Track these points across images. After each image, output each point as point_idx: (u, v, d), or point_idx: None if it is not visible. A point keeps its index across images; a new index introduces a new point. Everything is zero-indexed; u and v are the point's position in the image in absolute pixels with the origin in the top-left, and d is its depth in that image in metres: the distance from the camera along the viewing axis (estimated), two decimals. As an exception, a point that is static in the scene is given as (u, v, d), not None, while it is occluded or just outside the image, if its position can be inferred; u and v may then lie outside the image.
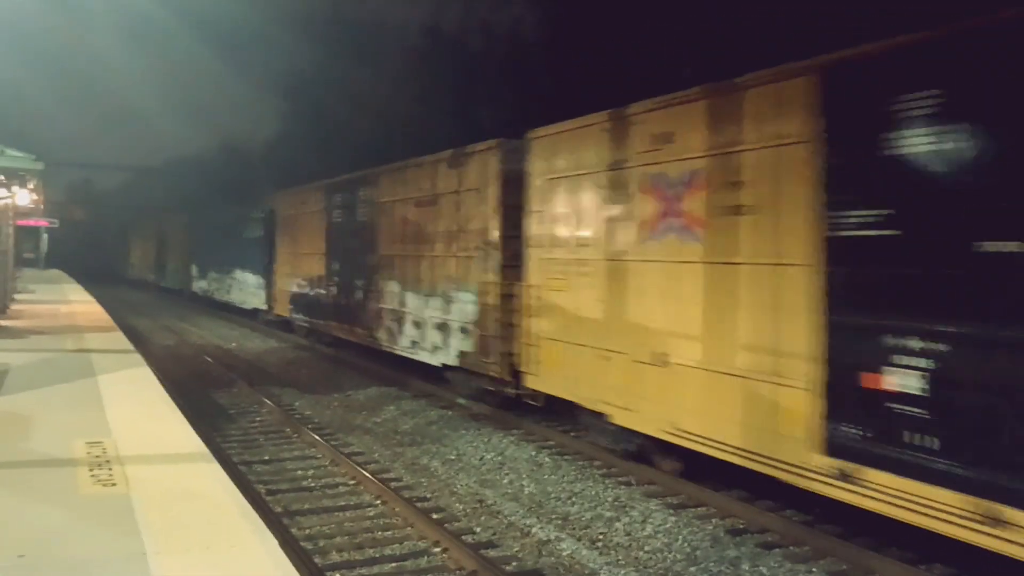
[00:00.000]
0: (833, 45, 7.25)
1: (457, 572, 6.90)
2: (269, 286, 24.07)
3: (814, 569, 6.99)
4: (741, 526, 7.96)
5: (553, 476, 9.58)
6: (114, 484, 5.95)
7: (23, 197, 19.01)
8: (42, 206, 25.92)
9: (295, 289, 21.58)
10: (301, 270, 21.20)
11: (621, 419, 9.36)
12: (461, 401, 13.35)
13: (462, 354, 13.09)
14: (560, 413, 11.35)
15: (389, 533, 7.84)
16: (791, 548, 7.43)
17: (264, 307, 24.48)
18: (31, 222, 36.57)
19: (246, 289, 26.59)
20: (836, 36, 8.19)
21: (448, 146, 13.93)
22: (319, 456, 10.55)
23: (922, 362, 6.15)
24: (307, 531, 7.83)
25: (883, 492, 6.42)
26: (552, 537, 7.79)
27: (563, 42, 25.97)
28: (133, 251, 55.18)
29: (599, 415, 9.72)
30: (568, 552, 7.44)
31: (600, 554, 7.42)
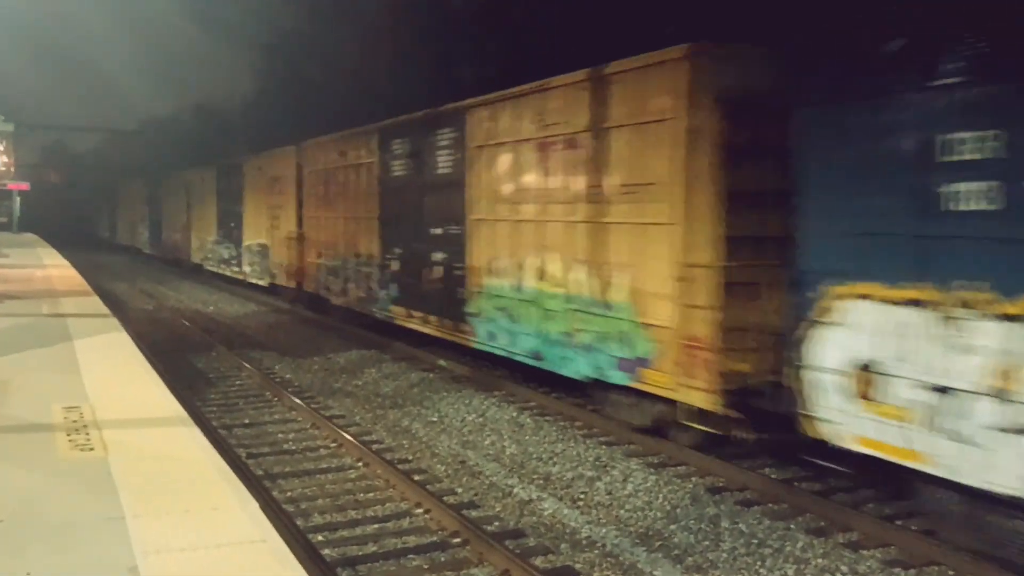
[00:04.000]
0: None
1: (439, 533, 6.94)
2: None
3: (792, 526, 7.08)
4: (721, 484, 8.04)
5: (534, 437, 9.63)
6: (92, 449, 5.89)
7: (-7, 159, 18.64)
8: (12, 168, 25.45)
9: None
10: None
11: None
12: (442, 363, 13.37)
13: (273, 276, 21.80)
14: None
15: (371, 495, 7.87)
16: (770, 506, 7.53)
17: None
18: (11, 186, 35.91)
19: None
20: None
21: (424, 105, 13.76)
22: (300, 419, 10.53)
23: (397, 263, 14.78)
24: (288, 494, 7.84)
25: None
26: (534, 497, 7.84)
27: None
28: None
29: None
30: (550, 511, 7.50)
31: (581, 513, 7.49)
